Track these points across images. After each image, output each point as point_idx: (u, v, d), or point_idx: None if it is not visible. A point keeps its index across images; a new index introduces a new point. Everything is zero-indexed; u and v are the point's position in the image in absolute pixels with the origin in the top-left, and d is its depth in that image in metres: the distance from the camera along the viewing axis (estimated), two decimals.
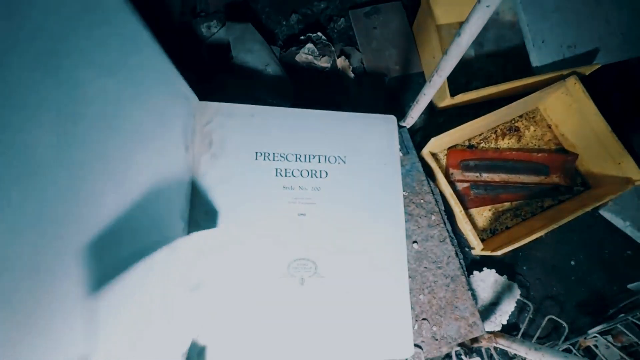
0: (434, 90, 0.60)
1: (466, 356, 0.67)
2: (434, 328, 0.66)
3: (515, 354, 0.76)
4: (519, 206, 0.90)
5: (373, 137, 0.69)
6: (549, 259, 0.90)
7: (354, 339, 0.60)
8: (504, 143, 0.93)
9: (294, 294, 0.59)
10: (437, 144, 0.82)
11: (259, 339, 0.57)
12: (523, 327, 0.80)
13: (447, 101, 0.81)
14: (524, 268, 0.89)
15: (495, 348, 0.72)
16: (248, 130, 0.64)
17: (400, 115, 0.73)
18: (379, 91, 0.86)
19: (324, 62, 0.84)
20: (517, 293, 0.78)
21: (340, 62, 0.86)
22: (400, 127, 0.73)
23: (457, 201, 0.79)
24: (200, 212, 0.59)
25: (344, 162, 0.67)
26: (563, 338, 0.78)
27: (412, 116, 0.71)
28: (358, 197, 0.65)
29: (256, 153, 0.63)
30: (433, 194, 0.72)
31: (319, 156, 0.66)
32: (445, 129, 0.78)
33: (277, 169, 0.63)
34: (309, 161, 0.65)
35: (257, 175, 0.62)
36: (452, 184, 0.87)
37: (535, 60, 0.84)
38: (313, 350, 0.58)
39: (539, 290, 0.87)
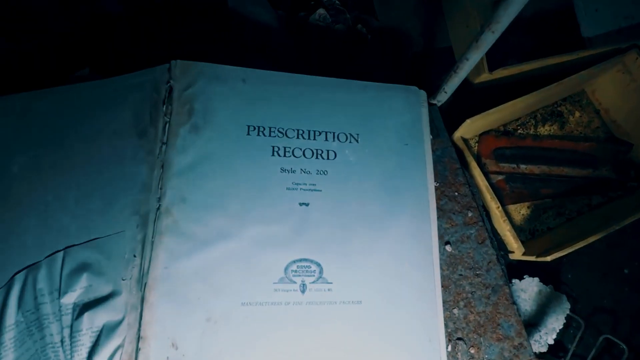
0: (479, 54, 0.47)
1: None
2: (472, 350, 0.52)
3: None
4: (562, 203, 0.76)
5: (393, 111, 0.56)
6: (599, 266, 0.76)
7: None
8: (544, 130, 0.79)
9: (293, 304, 0.46)
10: (470, 128, 0.69)
11: None
12: (572, 347, 0.66)
13: (484, 77, 0.68)
14: (569, 276, 0.75)
15: None
16: (239, 98, 0.51)
17: (428, 92, 0.60)
18: (401, 65, 0.73)
19: (336, 30, 0.71)
20: (566, 307, 0.64)
21: (356, 31, 0.73)
22: (429, 104, 0.60)
23: (494, 196, 0.65)
24: (174, 199, 0.46)
25: (357, 141, 0.53)
26: None
27: (446, 90, 0.58)
28: (374, 185, 0.52)
29: (248, 127, 0.50)
30: (469, 186, 0.58)
31: (325, 133, 0.53)
32: (478, 112, 0.65)
33: (274, 147, 0.51)
34: (314, 139, 0.52)
35: (249, 154, 0.49)
36: (485, 175, 0.73)
37: (587, 31, 0.70)
38: None
39: (587, 302, 0.73)
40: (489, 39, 0.44)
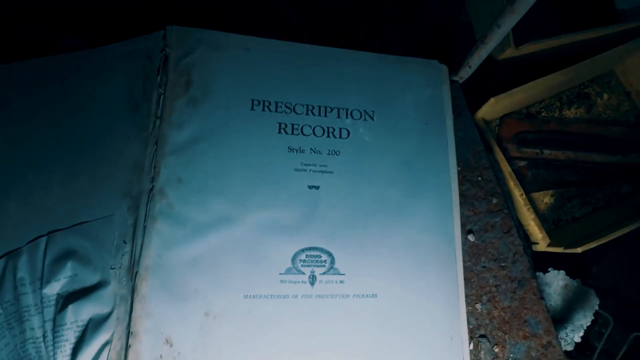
0: (514, 19, 0.42)
1: None
2: (496, 349, 0.47)
3: None
4: (588, 192, 0.71)
5: (412, 87, 0.50)
6: (627, 260, 0.70)
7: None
8: (569, 113, 0.73)
9: (301, 297, 0.41)
10: (493, 109, 0.64)
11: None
12: (600, 345, 0.61)
13: (509, 52, 0.62)
14: (594, 269, 0.69)
15: None
16: (242, 69, 0.46)
17: (449, 67, 0.55)
18: (419, 38, 0.67)
19: None
20: (594, 302, 0.59)
21: None
22: (451, 81, 0.55)
23: (517, 182, 0.60)
24: (169, 179, 0.41)
25: (372, 119, 0.48)
26: None
27: (471, 64, 0.53)
28: (391, 167, 0.47)
29: (252, 101, 0.45)
30: (494, 170, 0.53)
31: (338, 109, 0.48)
32: (501, 93, 0.60)
33: (280, 124, 0.45)
34: (325, 115, 0.47)
35: (253, 131, 0.44)
36: (507, 161, 0.68)
37: (621, 2, 0.64)
38: None
39: (614, 298, 0.68)
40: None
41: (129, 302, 0.38)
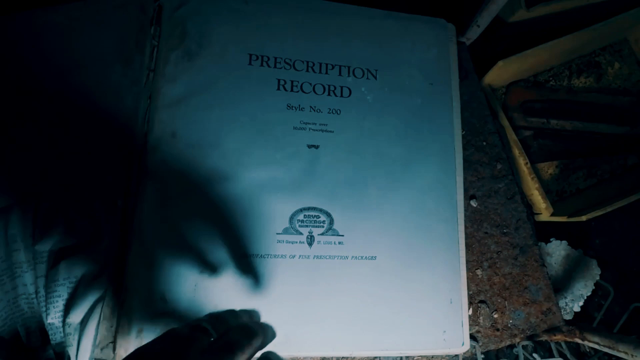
0: None
1: (536, 353, 0.48)
2: (495, 315, 0.47)
3: (592, 350, 0.57)
4: (595, 163, 0.69)
5: (417, 46, 0.48)
6: (630, 232, 0.69)
7: (383, 324, 0.41)
8: (579, 82, 0.71)
9: (299, 258, 0.40)
10: (501, 74, 0.61)
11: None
12: (599, 316, 0.61)
13: (520, 14, 0.59)
14: (597, 241, 0.69)
15: (568, 344, 0.53)
16: (240, 22, 0.44)
17: (457, 27, 0.52)
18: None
19: None
20: (596, 273, 0.59)
21: None
22: (458, 43, 0.52)
23: (523, 151, 0.58)
24: (163, 134, 0.39)
25: (375, 78, 0.46)
26: None
27: (479, 24, 0.50)
28: (393, 127, 0.45)
29: (250, 55, 0.43)
30: (499, 136, 0.51)
31: (339, 66, 0.46)
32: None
33: (279, 80, 0.44)
34: (326, 73, 0.45)
35: (250, 87, 0.42)
36: (513, 130, 0.66)
37: None
38: (323, 339, 0.40)
39: (616, 270, 0.68)
40: None
41: (123, 258, 0.37)
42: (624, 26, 0.68)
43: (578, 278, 0.59)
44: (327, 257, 0.41)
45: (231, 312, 0.36)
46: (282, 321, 0.39)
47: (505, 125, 0.59)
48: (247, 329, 0.31)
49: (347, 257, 0.41)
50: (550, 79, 0.71)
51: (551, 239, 0.61)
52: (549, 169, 0.68)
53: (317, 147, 0.43)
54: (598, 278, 0.60)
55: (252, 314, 0.38)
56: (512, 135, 0.59)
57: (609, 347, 0.41)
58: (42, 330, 0.38)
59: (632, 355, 0.38)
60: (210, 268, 0.38)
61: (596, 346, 0.43)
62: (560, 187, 0.68)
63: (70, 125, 0.41)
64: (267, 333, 0.35)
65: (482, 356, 0.45)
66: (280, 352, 0.39)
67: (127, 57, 0.42)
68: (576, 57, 0.71)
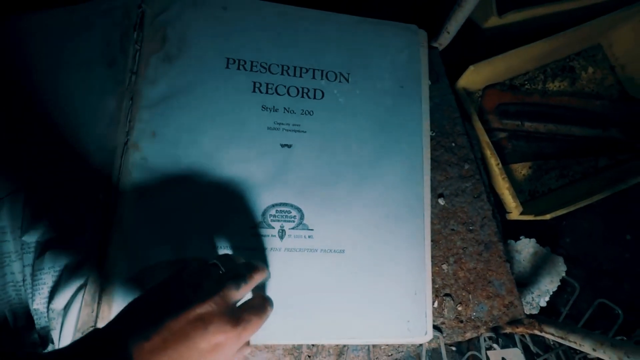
0: None
1: (496, 343, 0.51)
2: (459, 307, 0.50)
3: (556, 344, 0.60)
4: (567, 164, 0.72)
5: (389, 50, 0.51)
6: (599, 231, 0.72)
7: (350, 314, 0.44)
8: (553, 86, 0.74)
9: (271, 250, 0.43)
10: (475, 78, 0.64)
11: None
12: (565, 310, 0.63)
13: (493, 21, 0.62)
14: (567, 240, 0.71)
15: (532, 336, 0.56)
16: (218, 27, 0.46)
17: (432, 34, 0.55)
18: (404, 4, 0.67)
19: None
20: (562, 270, 0.62)
21: None
22: (430, 47, 0.55)
23: (494, 152, 0.61)
24: (143, 133, 0.42)
25: (347, 81, 0.49)
26: (616, 327, 0.62)
27: (449, 30, 0.53)
28: (364, 128, 0.48)
29: (227, 59, 0.46)
30: (468, 137, 0.54)
31: (313, 70, 0.48)
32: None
33: (255, 83, 0.46)
34: (300, 76, 0.48)
35: (227, 89, 0.45)
36: (487, 132, 0.69)
37: None
38: (293, 328, 0.42)
39: (584, 267, 0.70)
40: None
41: (104, 248, 0.40)
42: (597, 32, 0.70)
43: (544, 274, 0.62)
44: (298, 249, 0.43)
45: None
46: None
47: (477, 127, 0.61)
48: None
49: (316, 250, 0.44)
50: (526, 82, 0.73)
51: (520, 237, 0.64)
52: (522, 169, 0.71)
53: (290, 146, 0.45)
54: (564, 274, 0.62)
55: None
56: (484, 137, 0.61)
57: (561, 337, 0.44)
58: (27, 315, 0.40)
59: (579, 345, 0.41)
60: (187, 259, 0.41)
61: (551, 337, 0.46)
62: (533, 187, 0.71)
63: (57, 124, 0.44)
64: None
65: (446, 347, 0.48)
66: (253, 341, 0.42)
67: (111, 59, 0.45)
68: (551, 61, 0.74)
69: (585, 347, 0.40)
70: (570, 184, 0.71)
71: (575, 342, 0.42)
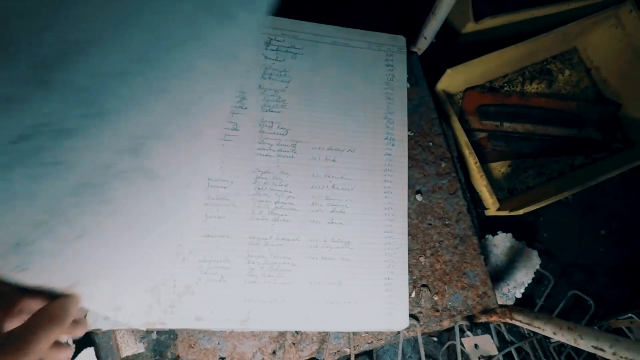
0: None
1: (471, 331, 0.54)
2: (435, 297, 0.53)
3: (530, 333, 0.63)
4: (544, 163, 0.75)
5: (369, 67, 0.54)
6: (575, 226, 0.76)
7: (332, 303, 0.47)
8: (531, 88, 0.77)
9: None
10: (454, 81, 0.67)
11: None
12: (540, 302, 0.67)
13: (470, 27, 0.65)
14: (545, 235, 0.75)
15: (506, 324, 0.59)
16: None
17: (410, 39, 0.58)
18: (387, 12, 0.70)
19: None
20: (536, 263, 0.65)
21: None
22: (409, 52, 0.58)
23: (472, 151, 0.64)
24: None
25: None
26: (588, 317, 0.65)
27: (426, 36, 0.56)
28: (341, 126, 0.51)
29: None
30: (445, 137, 0.57)
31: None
32: None
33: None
34: None
35: None
36: (467, 132, 0.72)
37: None
38: (276, 316, 0.45)
39: (560, 261, 0.74)
40: None
41: None
42: (572, 35, 0.74)
43: (520, 267, 0.65)
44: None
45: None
46: (245, 300, 0.45)
47: (456, 127, 0.64)
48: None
49: (298, 238, 0.47)
50: (505, 84, 0.77)
51: (498, 232, 0.67)
52: (502, 168, 0.74)
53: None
54: (538, 267, 0.66)
55: None
56: (463, 137, 0.65)
57: (528, 324, 0.47)
58: None
59: (542, 329, 0.44)
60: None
61: (519, 323, 0.49)
62: (512, 185, 0.74)
63: None
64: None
65: (428, 337, 0.51)
66: (243, 328, 0.45)
67: None
68: (529, 64, 0.77)
69: (547, 331, 0.43)
70: (548, 182, 0.74)
71: (539, 327, 0.45)
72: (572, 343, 0.38)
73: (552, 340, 0.62)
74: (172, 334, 0.51)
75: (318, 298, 0.47)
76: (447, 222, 0.55)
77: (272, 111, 0.49)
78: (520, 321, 0.49)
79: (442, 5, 0.47)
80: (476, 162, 0.65)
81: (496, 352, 0.48)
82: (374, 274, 0.49)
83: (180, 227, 0.40)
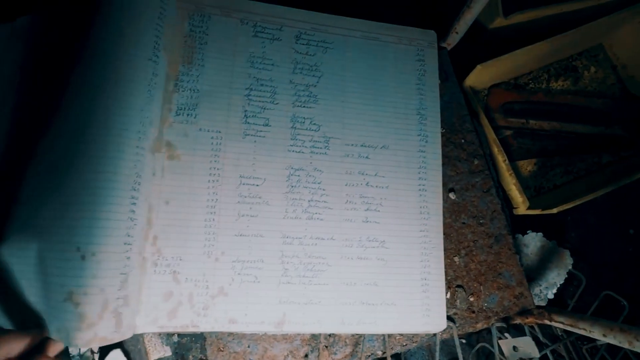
0: None
1: (502, 333, 0.52)
2: (471, 298, 0.51)
3: (564, 335, 0.61)
4: (571, 161, 0.74)
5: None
6: (604, 226, 0.74)
7: (368, 305, 0.45)
8: (557, 85, 0.76)
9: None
10: (482, 77, 0.66)
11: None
12: (572, 302, 0.65)
13: (498, 22, 0.64)
14: (573, 235, 0.73)
15: (540, 326, 0.58)
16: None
17: (440, 34, 0.57)
18: (415, 6, 0.69)
19: None
20: (568, 263, 0.63)
21: None
22: (439, 48, 0.57)
23: (501, 149, 0.63)
24: None
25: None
26: (622, 318, 0.64)
27: (458, 31, 0.55)
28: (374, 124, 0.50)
29: None
30: (477, 134, 0.56)
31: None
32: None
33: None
34: None
35: None
36: (493, 130, 0.71)
37: None
38: (309, 318, 0.44)
39: (589, 261, 0.72)
40: None
41: None
42: (599, 32, 0.72)
43: (552, 267, 0.63)
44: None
45: None
46: (279, 301, 0.43)
47: (484, 124, 0.63)
48: None
49: (330, 237, 0.46)
50: (530, 81, 0.75)
51: (528, 231, 0.65)
52: (528, 166, 0.73)
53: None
54: (570, 267, 0.64)
55: None
56: (491, 134, 0.63)
57: (571, 325, 0.46)
58: None
59: (589, 331, 0.43)
60: None
61: (561, 325, 0.47)
62: (539, 183, 0.73)
63: None
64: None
65: (460, 338, 0.49)
66: (278, 331, 0.44)
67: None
68: (554, 61, 0.76)
69: (596, 333, 0.41)
70: (575, 180, 0.72)
71: (585, 329, 0.43)
72: (627, 346, 0.37)
73: (585, 342, 0.61)
74: (199, 337, 0.49)
75: (354, 299, 0.45)
76: (481, 221, 0.53)
77: (304, 107, 0.48)
78: (562, 323, 0.47)
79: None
80: (505, 160, 0.63)
81: (537, 355, 0.47)
82: (410, 274, 0.47)
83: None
